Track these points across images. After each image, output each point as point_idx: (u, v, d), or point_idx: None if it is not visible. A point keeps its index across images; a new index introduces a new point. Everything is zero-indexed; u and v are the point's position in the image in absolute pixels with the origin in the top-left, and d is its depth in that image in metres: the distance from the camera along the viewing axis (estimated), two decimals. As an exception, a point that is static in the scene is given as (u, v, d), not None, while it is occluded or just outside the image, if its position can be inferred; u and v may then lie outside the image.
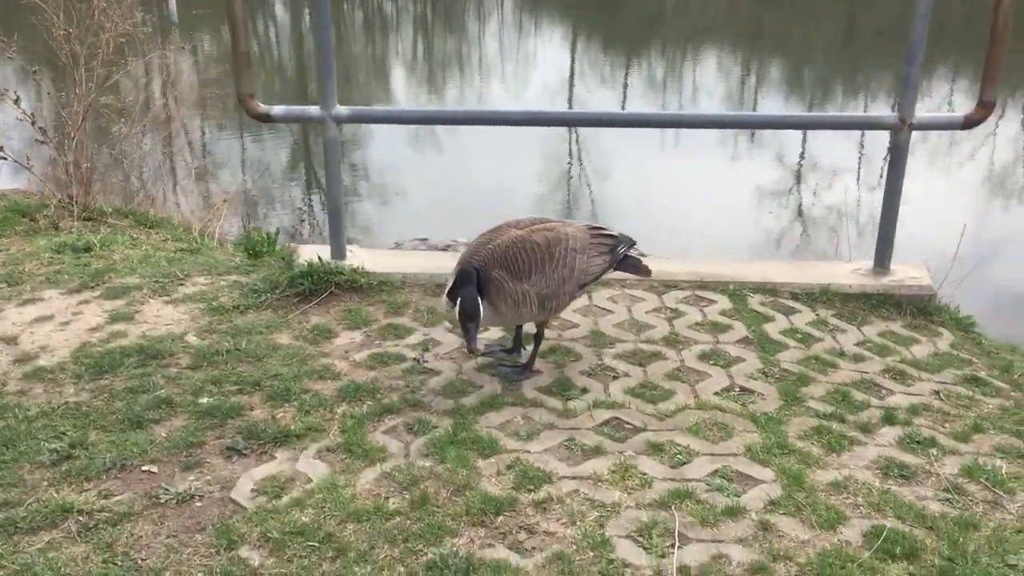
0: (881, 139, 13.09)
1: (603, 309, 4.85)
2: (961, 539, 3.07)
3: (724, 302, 4.92)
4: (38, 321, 4.87)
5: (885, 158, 11.51)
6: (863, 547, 3.03)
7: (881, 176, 11.78)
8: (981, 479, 3.45)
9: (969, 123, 4.86)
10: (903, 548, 3.00)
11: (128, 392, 4.05)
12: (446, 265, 5.22)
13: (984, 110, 4.78)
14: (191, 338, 4.60)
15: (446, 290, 3.80)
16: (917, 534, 3.09)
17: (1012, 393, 4.23)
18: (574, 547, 3.03)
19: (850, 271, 5.21)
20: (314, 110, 5.02)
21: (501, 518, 3.19)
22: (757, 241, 10.39)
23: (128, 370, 4.26)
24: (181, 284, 5.42)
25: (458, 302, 3.68)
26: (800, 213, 11.40)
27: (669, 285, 5.10)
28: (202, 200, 10.66)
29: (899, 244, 5.30)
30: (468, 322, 3.67)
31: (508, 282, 3.80)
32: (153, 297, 5.21)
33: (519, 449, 3.59)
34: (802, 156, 13.05)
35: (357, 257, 5.24)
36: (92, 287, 5.35)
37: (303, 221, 11.07)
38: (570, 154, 13.49)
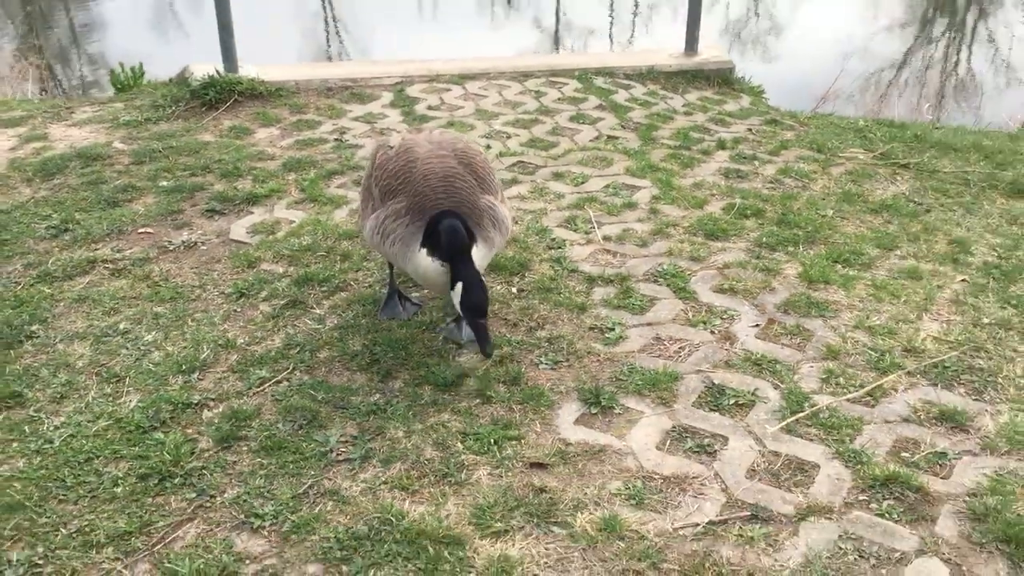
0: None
1: (478, 95, 5.71)
2: (788, 204, 4.30)
3: (575, 83, 5.92)
4: (-51, 148, 5.11)
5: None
6: (724, 214, 4.18)
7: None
8: (792, 175, 4.69)
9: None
10: (751, 211, 4.18)
11: (88, 185, 4.51)
12: (332, 74, 5.88)
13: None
14: (119, 145, 5.05)
15: (415, 246, 2.94)
16: (759, 205, 4.28)
17: (802, 127, 5.53)
18: (523, 234, 3.98)
19: (668, 55, 6.33)
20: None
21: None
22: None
23: (76, 170, 4.69)
24: (71, 112, 5.74)
25: (460, 289, 2.82)
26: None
27: (527, 75, 6.03)
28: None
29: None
30: (480, 318, 2.83)
31: (498, 206, 3.10)
32: (52, 123, 5.52)
33: (453, 186, 4.45)
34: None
35: (248, 70, 5.77)
36: (-21, 122, 5.57)
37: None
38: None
